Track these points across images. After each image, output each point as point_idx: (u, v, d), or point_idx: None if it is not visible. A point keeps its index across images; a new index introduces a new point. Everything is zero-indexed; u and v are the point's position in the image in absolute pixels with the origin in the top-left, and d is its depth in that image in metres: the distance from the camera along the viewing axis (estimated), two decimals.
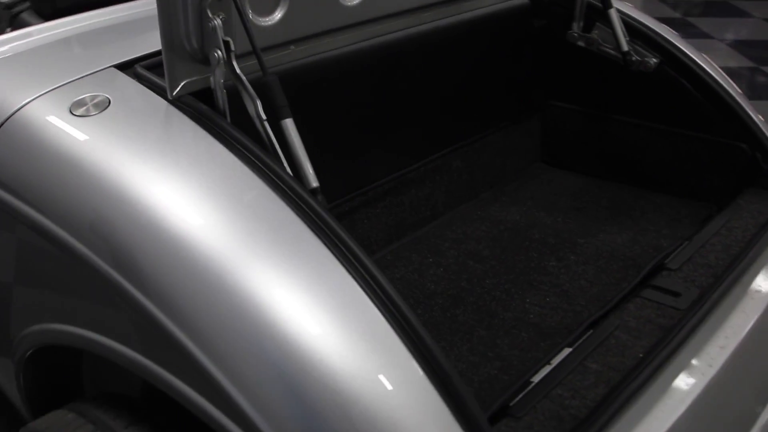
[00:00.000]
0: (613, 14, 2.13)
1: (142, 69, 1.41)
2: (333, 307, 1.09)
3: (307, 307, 1.08)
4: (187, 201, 1.19)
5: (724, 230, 1.82)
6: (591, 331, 1.55)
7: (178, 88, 1.34)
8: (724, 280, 1.58)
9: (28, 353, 1.49)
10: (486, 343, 1.63)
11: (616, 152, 2.33)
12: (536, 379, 1.41)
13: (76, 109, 1.34)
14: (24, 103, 1.36)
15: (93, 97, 1.36)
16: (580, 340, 1.52)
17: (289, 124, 1.33)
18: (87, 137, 1.29)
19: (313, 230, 1.16)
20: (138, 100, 1.37)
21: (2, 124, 1.36)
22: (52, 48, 1.56)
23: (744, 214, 1.88)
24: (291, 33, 1.54)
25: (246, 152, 1.26)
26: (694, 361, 1.42)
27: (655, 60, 2.10)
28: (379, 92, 1.86)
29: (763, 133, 2.01)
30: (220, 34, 1.30)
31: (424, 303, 1.78)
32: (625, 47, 2.13)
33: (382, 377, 1.04)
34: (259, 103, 1.31)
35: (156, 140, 1.29)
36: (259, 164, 1.24)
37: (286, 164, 1.29)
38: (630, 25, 2.14)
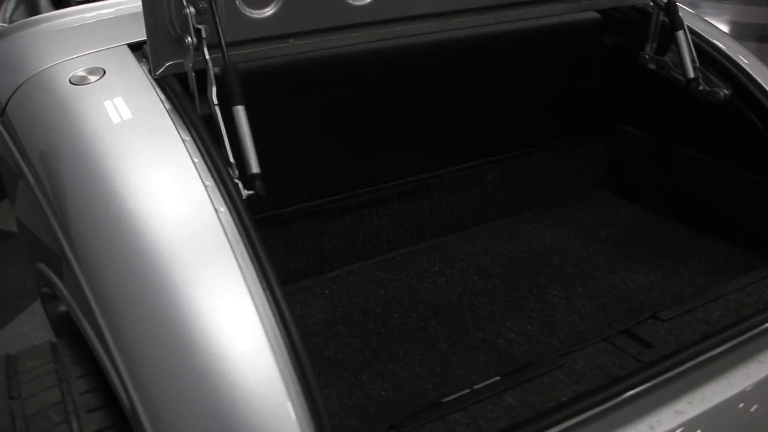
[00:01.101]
0: (681, 37, 1.95)
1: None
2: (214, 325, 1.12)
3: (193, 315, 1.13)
4: (122, 178, 1.29)
5: (752, 287, 1.62)
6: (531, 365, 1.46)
7: (162, 69, 1.45)
8: (711, 341, 1.42)
9: (41, 290, 1.70)
10: (440, 358, 1.60)
11: (681, 188, 2.14)
12: (448, 400, 1.36)
13: (75, 77, 1.50)
14: (39, 70, 1.55)
15: (93, 70, 1.52)
16: (516, 372, 1.44)
17: (239, 111, 1.40)
18: (72, 101, 1.45)
19: (227, 236, 1.20)
20: (128, 74, 1.50)
21: (20, 86, 1.56)
22: (81, 27, 1.74)
23: None
24: (288, 27, 1.59)
25: (195, 137, 1.35)
26: (630, 422, 1.30)
27: (726, 92, 1.90)
28: (398, 94, 1.86)
29: None
30: (192, 21, 1.39)
31: (405, 309, 1.77)
32: (691, 74, 1.95)
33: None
34: (214, 89, 1.39)
35: (121, 111, 1.41)
36: (203, 150, 1.32)
37: (228, 148, 1.37)
38: (702, 49, 1.95)
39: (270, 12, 1.54)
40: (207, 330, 1.11)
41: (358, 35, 1.68)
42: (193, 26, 1.39)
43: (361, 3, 1.63)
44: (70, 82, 1.50)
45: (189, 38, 1.40)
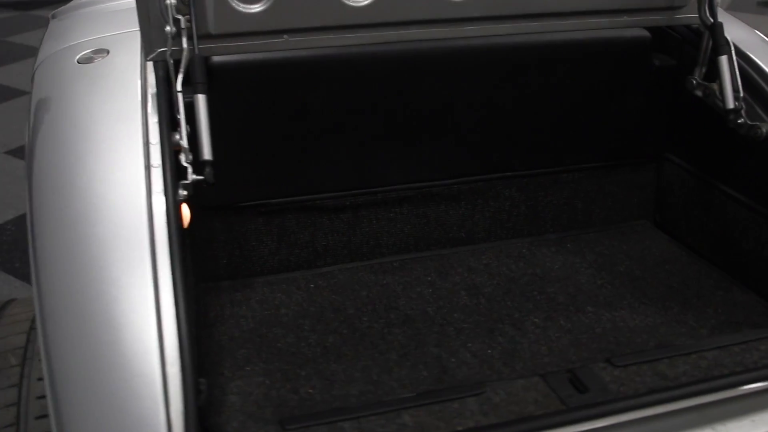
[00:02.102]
0: (724, 62, 1.78)
1: None
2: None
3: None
4: (78, 153, 1.40)
5: (739, 347, 1.45)
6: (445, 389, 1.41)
7: (153, 54, 1.55)
8: (652, 397, 1.30)
9: None
10: (384, 367, 1.58)
11: (721, 230, 1.94)
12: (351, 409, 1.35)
13: (83, 57, 1.65)
14: (60, 48, 1.72)
15: (99, 51, 1.66)
16: (430, 393, 1.40)
17: (200, 99, 1.47)
18: (71, 78, 1.59)
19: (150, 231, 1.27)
20: (128, 57, 1.62)
21: (42, 62, 1.73)
22: (107, 13, 1.88)
23: None
24: (281, 23, 1.63)
25: (161, 120, 1.44)
26: None
27: None
28: (404, 99, 1.84)
29: None
30: (171, 11, 1.48)
31: (377, 314, 1.77)
32: (731, 104, 1.77)
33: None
34: (180, 77, 1.47)
35: (104, 89, 1.53)
36: (163, 133, 1.41)
37: (184, 133, 1.44)
38: (750, 77, 1.76)
39: (262, 7, 1.59)
40: (100, 319, 1.19)
41: (357, 36, 1.69)
42: (173, 16, 1.48)
43: (360, 4, 1.64)
44: (78, 61, 1.64)
45: (167, 27, 1.49)
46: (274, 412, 1.44)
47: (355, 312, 1.77)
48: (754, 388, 1.33)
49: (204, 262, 1.87)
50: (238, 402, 1.47)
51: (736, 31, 1.94)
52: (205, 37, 1.58)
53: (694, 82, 1.89)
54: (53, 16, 2.05)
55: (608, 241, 2.09)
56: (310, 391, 1.51)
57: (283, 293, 1.85)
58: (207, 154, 1.45)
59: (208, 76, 1.67)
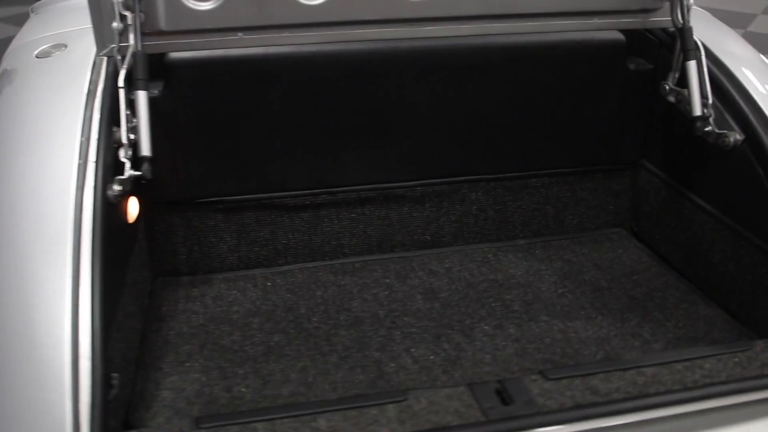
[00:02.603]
0: (692, 68, 1.72)
1: None
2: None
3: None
4: (14, 147, 1.42)
5: (683, 364, 1.41)
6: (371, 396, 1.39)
7: (105, 50, 1.57)
8: (574, 413, 1.26)
9: None
10: (322, 368, 1.57)
11: (689, 240, 1.88)
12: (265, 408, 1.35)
13: (42, 51, 1.67)
14: (26, 41, 1.75)
15: (58, 45, 1.68)
16: (352, 398, 1.38)
17: (140, 95, 1.48)
18: (26, 71, 1.62)
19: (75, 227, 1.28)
20: (83, 52, 1.63)
21: (8, 53, 1.77)
22: (76, 7, 1.90)
23: (755, 363, 1.40)
24: (235, 21, 1.63)
25: (102, 115, 1.45)
26: None
27: (738, 137, 1.65)
28: (364, 100, 1.82)
29: None
30: (118, 8, 1.50)
31: (327, 314, 1.76)
32: (698, 111, 1.71)
33: None
34: (123, 72, 1.48)
35: (53, 84, 1.55)
36: (102, 129, 1.42)
37: (124, 129, 1.45)
38: (720, 84, 1.70)
39: (214, 4, 1.59)
40: (14, 310, 1.21)
41: (313, 35, 1.69)
42: (119, 12, 1.49)
43: (315, 2, 1.63)
44: (36, 55, 1.67)
45: (114, 24, 1.50)
46: (201, 410, 1.45)
47: (306, 312, 1.77)
48: (684, 409, 1.29)
49: (164, 256, 1.89)
50: (169, 397, 1.48)
51: (713, 35, 1.88)
52: (156, 33, 1.59)
53: (667, 87, 1.83)
54: (32, 10, 2.08)
55: (579, 249, 2.04)
56: (243, 390, 1.51)
57: (239, 290, 1.86)
58: (145, 150, 1.46)
59: (166, 73, 1.69)
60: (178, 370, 1.57)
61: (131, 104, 1.48)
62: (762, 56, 1.89)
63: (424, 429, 1.23)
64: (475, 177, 1.97)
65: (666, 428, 1.29)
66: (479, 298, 1.82)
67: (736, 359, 1.38)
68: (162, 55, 1.68)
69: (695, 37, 1.74)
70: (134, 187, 1.50)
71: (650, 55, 1.96)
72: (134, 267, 1.64)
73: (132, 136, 1.47)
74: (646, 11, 1.82)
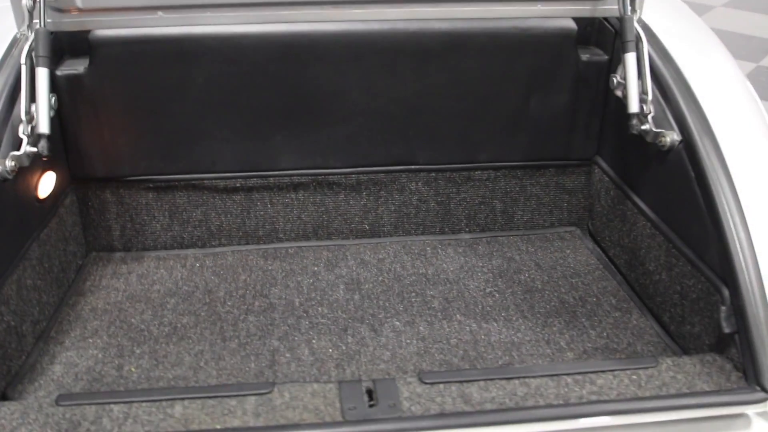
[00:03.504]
0: (628, 60, 1.61)
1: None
2: None
3: None
4: None
5: (572, 378, 1.33)
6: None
7: (23, 26, 1.58)
8: (438, 420, 1.21)
9: None
10: (214, 354, 1.56)
11: (631, 244, 1.77)
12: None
13: None
14: None
15: None
16: (220, 387, 1.35)
17: (39, 72, 1.49)
18: None
19: None
20: (8, 27, 1.65)
21: None
22: None
23: (653, 382, 1.31)
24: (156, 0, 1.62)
25: (5, 91, 1.47)
26: None
27: (675, 138, 1.54)
28: (293, 83, 1.77)
29: (747, 283, 1.33)
30: None
31: (244, 299, 1.74)
32: (634, 107, 1.61)
33: None
34: (25, 48, 1.49)
35: None
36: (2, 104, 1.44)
37: (23, 105, 1.46)
38: (663, 80, 1.58)
39: None
40: None
41: (234, 15, 1.66)
42: None
43: None
44: None
45: (25, 0, 1.51)
46: (85, 386, 1.46)
47: (224, 295, 1.75)
48: (558, 426, 1.22)
49: (97, 232, 1.91)
50: (58, 372, 1.49)
51: (674, 26, 1.75)
52: (73, 10, 1.59)
53: (615, 80, 1.73)
54: None
55: (525, 247, 1.96)
56: (133, 369, 1.51)
57: (167, 269, 1.86)
58: (42, 127, 1.47)
59: (91, 51, 1.69)
60: (78, 345, 1.58)
61: (66, 81, 1.50)
62: (728, 53, 1.75)
63: (273, 425, 1.20)
64: (413, 167, 1.91)
65: None
66: (402, 292, 1.77)
67: (635, 377, 1.29)
68: (87, 33, 1.68)
69: (636, 27, 1.62)
70: (51, 163, 1.52)
71: (606, 46, 1.84)
72: (48, 241, 1.65)
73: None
74: None
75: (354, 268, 1.86)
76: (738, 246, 1.34)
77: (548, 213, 2.02)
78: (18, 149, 1.46)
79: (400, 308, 1.71)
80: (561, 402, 1.24)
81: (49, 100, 1.50)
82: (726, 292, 1.36)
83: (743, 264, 1.32)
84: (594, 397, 1.25)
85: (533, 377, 1.29)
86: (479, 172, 1.94)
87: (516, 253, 1.93)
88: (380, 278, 1.82)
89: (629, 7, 1.63)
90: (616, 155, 1.85)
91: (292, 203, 1.92)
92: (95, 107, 1.74)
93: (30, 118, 1.48)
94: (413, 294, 1.76)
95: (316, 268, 1.86)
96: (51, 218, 1.68)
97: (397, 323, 1.65)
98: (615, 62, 1.78)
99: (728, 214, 1.37)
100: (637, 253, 1.74)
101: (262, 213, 1.93)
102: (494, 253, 1.93)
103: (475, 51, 1.78)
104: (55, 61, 1.73)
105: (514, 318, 1.67)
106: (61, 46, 1.75)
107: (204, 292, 1.77)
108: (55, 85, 1.70)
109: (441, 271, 1.85)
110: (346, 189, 1.92)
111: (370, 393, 1.28)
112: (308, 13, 1.66)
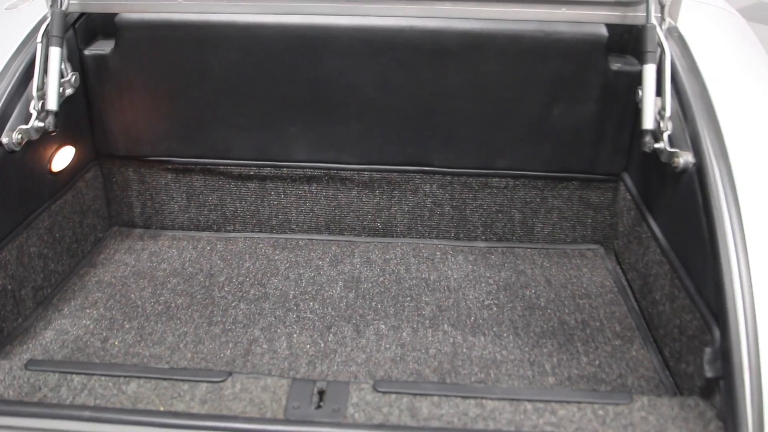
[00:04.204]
0: (646, 73, 1.50)
1: None
2: None
3: None
4: None
5: (532, 405, 1.26)
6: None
7: (50, 4, 1.66)
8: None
9: None
10: (196, 337, 1.58)
11: (643, 270, 1.66)
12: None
13: (11, 3, 1.80)
14: None
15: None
16: (172, 370, 1.36)
17: (51, 51, 1.55)
18: None
19: None
20: (42, 5, 1.73)
21: None
22: None
23: (618, 421, 1.23)
24: None
25: (22, 66, 1.55)
26: None
27: (689, 159, 1.42)
28: (309, 77, 1.76)
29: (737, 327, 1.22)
30: None
31: (241, 286, 1.75)
32: (647, 123, 1.50)
33: None
34: (43, 28, 1.56)
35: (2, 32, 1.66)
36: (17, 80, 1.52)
37: (35, 82, 1.54)
38: (684, 96, 1.47)
39: None
40: None
41: (252, 5, 1.67)
42: None
43: None
44: (6, 7, 1.80)
45: None
46: (67, 354, 1.52)
47: (224, 281, 1.78)
48: None
49: (120, 207, 1.98)
50: (48, 337, 1.56)
51: (714, 41, 1.62)
52: None
53: (639, 93, 1.61)
54: None
55: (541, 261, 1.87)
56: (116, 343, 1.56)
57: (178, 249, 1.91)
58: (51, 104, 1.54)
59: (116, 33, 1.75)
60: (75, 314, 1.65)
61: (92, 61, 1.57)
62: None
63: (213, 414, 1.21)
64: (428, 168, 1.86)
65: None
66: (398, 295, 1.73)
67: (601, 412, 1.21)
68: (114, 16, 1.74)
69: (660, 37, 1.51)
70: (72, 138, 1.61)
71: (637, 55, 1.73)
72: (61, 213, 1.73)
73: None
74: (624, 4, 1.60)
75: (357, 266, 1.84)
76: (733, 284, 1.22)
77: (571, 228, 1.92)
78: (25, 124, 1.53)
79: (391, 312, 1.67)
80: (512, 429, 1.17)
81: (61, 78, 1.56)
82: (717, 333, 1.25)
83: (736, 303, 1.20)
84: (549, 428, 1.18)
85: (491, 399, 1.23)
86: (497, 179, 1.86)
87: (529, 267, 1.85)
88: (381, 279, 1.79)
89: (653, 15, 1.52)
90: (641, 173, 1.73)
91: (305, 195, 1.92)
92: (119, 87, 1.80)
93: (41, 95, 1.55)
94: (408, 299, 1.72)
95: (320, 263, 1.85)
96: (66, 191, 1.76)
97: (383, 326, 1.62)
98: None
99: (729, 248, 1.25)
100: (648, 279, 1.62)
101: (275, 202, 1.94)
102: (505, 265, 1.85)
103: (496, 53, 1.71)
104: (87, 41, 1.80)
105: (504, 334, 1.60)
106: (95, 27, 1.83)
107: (206, 276, 1.80)
108: (82, 63, 1.77)
109: (444, 277, 1.79)
110: (359, 185, 1.90)
111: (322, 394, 1.26)
112: (324, 5, 1.64)
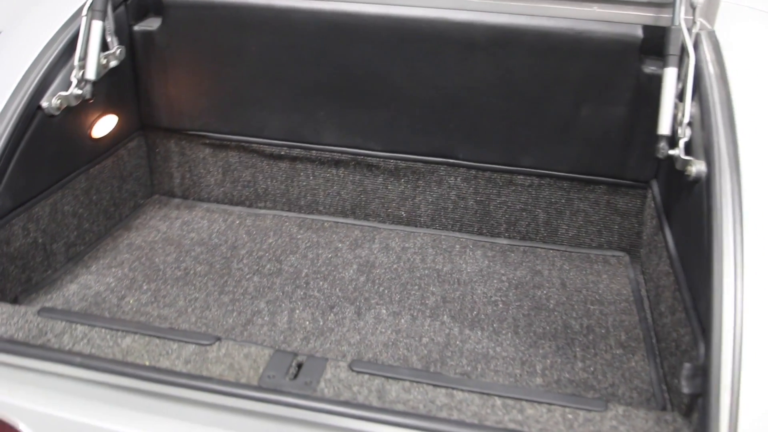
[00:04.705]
0: (668, 76, 1.45)
1: None
2: None
3: None
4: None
5: (502, 402, 1.25)
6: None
7: None
8: (339, 407, 1.21)
9: None
10: (206, 303, 1.65)
11: (656, 278, 1.60)
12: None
13: None
14: None
15: None
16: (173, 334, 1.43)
17: (93, 25, 1.66)
18: None
19: None
20: None
21: None
22: None
23: (585, 427, 1.21)
24: None
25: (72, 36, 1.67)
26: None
27: (701, 168, 1.37)
28: (338, 60, 1.78)
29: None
30: None
31: (258, 261, 1.81)
32: (663, 129, 1.46)
33: None
34: (88, 2, 1.67)
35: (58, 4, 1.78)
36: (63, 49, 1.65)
37: (78, 51, 1.65)
38: (705, 102, 1.41)
39: None
40: None
41: None
42: None
43: None
44: None
45: None
46: (84, 307, 1.62)
47: (245, 254, 1.85)
48: None
49: (162, 177, 2.09)
50: (72, 290, 1.67)
51: (755, 45, 1.54)
52: None
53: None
54: None
55: (561, 263, 1.84)
56: (131, 301, 1.66)
57: (209, 221, 1.99)
58: (89, 74, 1.65)
59: (163, 11, 1.85)
60: (101, 272, 1.76)
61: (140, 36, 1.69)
62: None
63: (192, 374, 1.27)
64: (452, 161, 1.86)
65: None
66: (407, 283, 1.74)
67: (570, 416, 1.20)
68: None
69: (685, 40, 1.45)
70: (117, 107, 1.75)
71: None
72: (99, 177, 1.84)
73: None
74: (656, 5, 1.55)
75: (375, 252, 1.86)
76: (723, 301, 1.17)
77: (596, 233, 1.87)
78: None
79: (396, 298, 1.69)
80: (474, 422, 1.17)
81: (106, 51, 1.67)
82: (702, 349, 1.20)
83: (724, 321, 1.15)
84: (512, 426, 1.17)
85: (462, 390, 1.23)
86: (522, 177, 1.84)
87: (546, 268, 1.82)
88: (395, 266, 1.81)
89: (680, 17, 1.46)
90: (666, 181, 1.67)
91: (332, 178, 1.96)
92: (164, 63, 1.90)
93: (82, 65, 1.65)
94: (416, 287, 1.73)
95: (340, 245, 1.89)
96: (107, 157, 1.87)
97: (384, 311, 1.64)
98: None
99: (725, 263, 1.19)
100: (658, 290, 1.57)
101: (304, 183, 1.99)
102: (523, 264, 1.83)
103: (525, 49, 1.69)
104: (138, 17, 1.91)
105: (503, 331, 1.59)
106: (147, 4, 1.93)
107: (229, 248, 1.88)
108: (131, 39, 1.88)
109: (457, 270, 1.79)
110: (384, 173, 1.92)
111: (300, 367, 1.30)
112: None
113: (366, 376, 1.27)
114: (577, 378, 1.46)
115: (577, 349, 1.55)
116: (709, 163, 1.33)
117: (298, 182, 1.99)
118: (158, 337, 1.35)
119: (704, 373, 1.16)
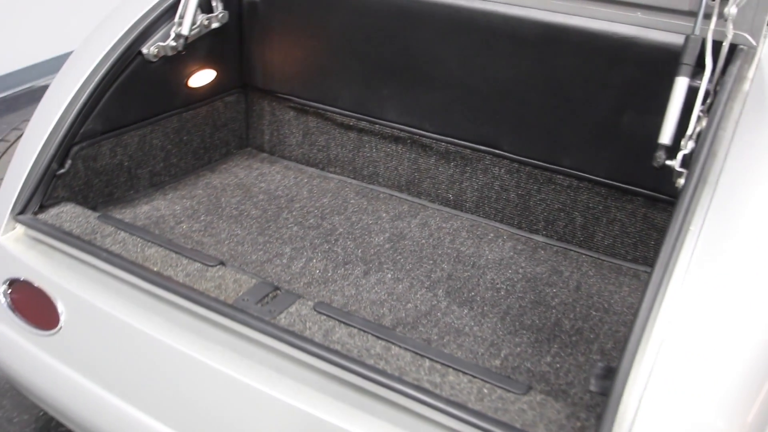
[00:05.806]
0: (678, 85, 1.41)
1: None
2: None
3: None
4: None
5: (450, 372, 1.33)
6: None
7: None
8: (288, 337, 1.36)
9: None
10: (245, 242, 1.86)
11: None
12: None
13: None
14: None
15: None
16: (189, 253, 1.63)
17: None
18: None
19: None
20: None
21: None
22: None
23: (495, 405, 1.25)
24: None
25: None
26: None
27: (682, 182, 1.35)
28: (403, 42, 1.90)
29: None
30: None
31: (307, 219, 1.99)
32: (664, 138, 1.43)
33: None
34: None
35: None
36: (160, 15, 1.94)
37: (180, 9, 1.93)
38: (713, 117, 1.37)
39: None
40: None
41: None
42: None
43: None
44: None
45: None
46: (144, 224, 1.90)
47: (298, 207, 2.04)
48: (366, 386, 1.27)
49: (255, 132, 2.34)
50: (142, 210, 1.97)
51: None
52: None
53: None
54: None
55: (587, 269, 1.82)
56: (184, 227, 1.91)
57: (282, 176, 2.21)
58: (184, 30, 1.92)
59: None
60: (173, 200, 2.04)
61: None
62: None
63: (183, 283, 1.48)
64: (497, 151, 1.91)
65: (355, 400, 1.30)
66: (425, 257, 1.84)
67: (486, 390, 1.26)
68: None
69: (707, 52, 1.40)
70: (217, 64, 2.06)
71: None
72: (191, 120, 2.12)
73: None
74: (698, 15, 1.51)
75: (411, 226, 1.97)
76: (651, 311, 1.17)
77: (632, 246, 1.83)
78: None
79: (407, 267, 1.79)
80: (395, 374, 1.26)
81: (209, 14, 1.95)
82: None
83: (646, 327, 1.16)
84: (426, 386, 1.24)
85: (399, 347, 1.33)
86: (561, 176, 1.85)
87: (569, 270, 1.82)
88: (422, 241, 1.91)
89: (699, 27, 1.41)
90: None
91: (392, 153, 2.09)
92: (264, 29, 2.14)
93: (180, 22, 1.93)
94: (430, 262, 1.82)
95: (384, 215, 2.02)
96: (202, 106, 2.15)
97: (389, 276, 1.75)
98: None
99: (655, 276, 1.19)
100: None
101: (368, 155, 2.14)
102: (548, 262, 1.84)
103: (570, 48, 1.70)
104: None
105: (490, 315, 1.64)
106: None
107: (287, 200, 2.08)
108: (240, 6, 2.14)
109: (478, 255, 1.85)
110: (437, 154, 2.02)
111: (274, 298, 1.47)
112: None
113: (323, 317, 1.40)
114: (536, 370, 1.48)
115: (555, 346, 1.55)
116: (687, 179, 1.31)
117: (362, 153, 2.15)
118: (176, 252, 1.58)
119: (613, 376, 1.16)
